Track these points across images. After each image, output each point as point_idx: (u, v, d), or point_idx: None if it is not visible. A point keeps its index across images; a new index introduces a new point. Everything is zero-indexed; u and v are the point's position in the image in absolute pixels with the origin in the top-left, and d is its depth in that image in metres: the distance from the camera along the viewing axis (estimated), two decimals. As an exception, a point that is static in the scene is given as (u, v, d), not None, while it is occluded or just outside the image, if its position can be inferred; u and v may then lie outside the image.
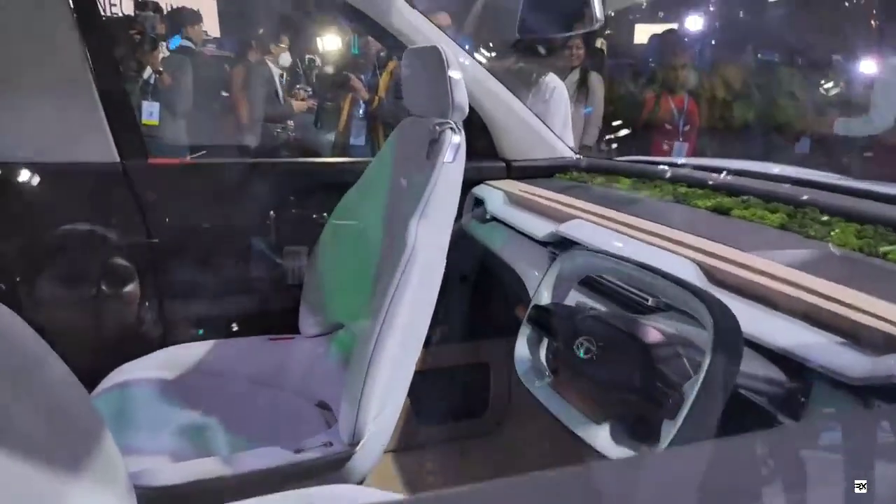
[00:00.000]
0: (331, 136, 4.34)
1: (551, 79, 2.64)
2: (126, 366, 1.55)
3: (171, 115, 3.89)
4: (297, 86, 5.57)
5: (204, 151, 3.99)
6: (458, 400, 2.01)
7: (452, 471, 1.93)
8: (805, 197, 1.32)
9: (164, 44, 4.03)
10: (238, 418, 1.43)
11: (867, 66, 3.76)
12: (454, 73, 1.27)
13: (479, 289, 1.87)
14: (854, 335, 0.80)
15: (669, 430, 0.68)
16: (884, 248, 0.99)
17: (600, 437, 0.77)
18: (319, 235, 1.69)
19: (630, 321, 0.82)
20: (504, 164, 1.86)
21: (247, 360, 1.64)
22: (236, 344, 1.66)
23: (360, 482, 1.32)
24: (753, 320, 0.89)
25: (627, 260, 0.86)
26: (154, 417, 1.41)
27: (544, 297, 0.97)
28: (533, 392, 0.90)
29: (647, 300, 1.05)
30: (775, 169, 1.67)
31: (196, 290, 1.71)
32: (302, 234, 1.77)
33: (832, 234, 1.12)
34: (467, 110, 1.30)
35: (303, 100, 4.95)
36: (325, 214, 1.73)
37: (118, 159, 1.58)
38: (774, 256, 1.04)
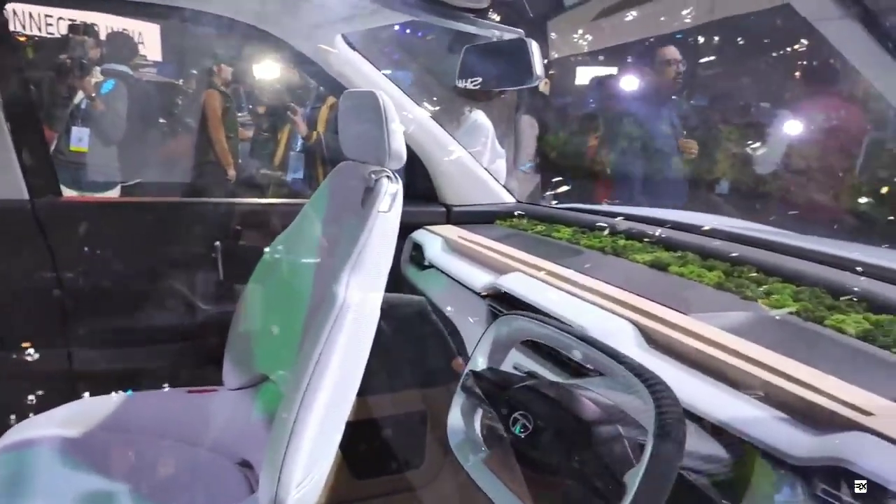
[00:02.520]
0: (267, 170, 4.24)
1: (476, 114, 2.67)
2: (27, 422, 1.41)
3: (102, 143, 3.74)
4: (240, 115, 5.47)
5: (138, 181, 3.83)
6: (393, 451, 1.93)
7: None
8: (738, 254, 1.32)
9: (98, 68, 3.89)
10: (150, 482, 1.32)
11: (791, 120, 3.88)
12: (392, 120, 1.22)
13: (415, 336, 1.81)
14: (797, 410, 0.77)
15: (609, 524, 0.63)
16: (829, 321, 0.98)
17: (536, 525, 0.71)
18: (248, 281, 1.60)
19: (569, 394, 0.77)
20: (444, 209, 1.82)
21: (163, 415, 1.52)
22: (152, 397, 1.54)
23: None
24: (693, 390, 0.86)
25: (566, 330, 0.82)
26: (55, 484, 1.28)
27: (480, 363, 0.91)
28: (466, 469, 0.84)
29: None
30: (712, 221, 1.68)
31: (109, 338, 1.59)
32: (230, 279, 1.68)
33: (770, 296, 1.11)
34: (405, 158, 1.25)
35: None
36: (255, 258, 1.64)
37: (27, 197, 1.47)
38: (713, 319, 1.02)
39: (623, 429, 0.72)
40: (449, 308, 1.47)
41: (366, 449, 1.83)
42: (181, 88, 5.39)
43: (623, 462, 0.67)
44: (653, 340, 1.00)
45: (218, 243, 1.66)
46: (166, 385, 1.61)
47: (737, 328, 0.98)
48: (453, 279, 1.51)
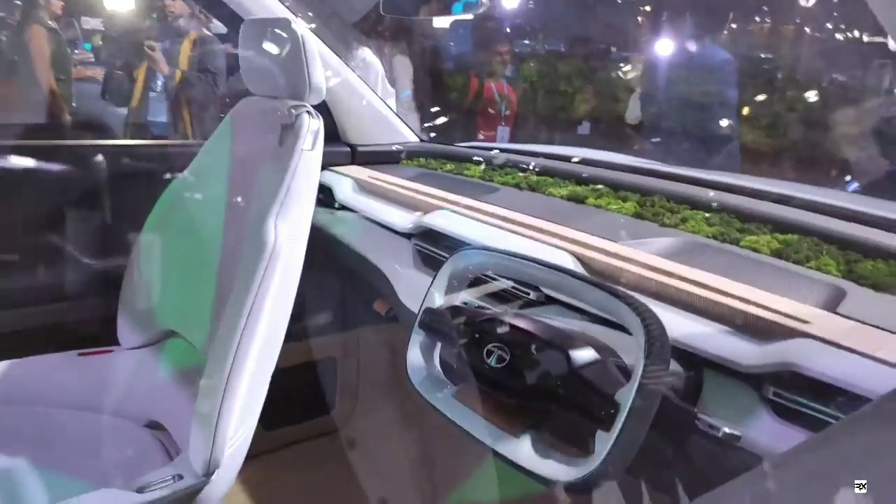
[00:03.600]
0: (123, 111, 3.86)
1: (363, 51, 2.59)
2: None
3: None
4: (76, 50, 4.92)
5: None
6: (304, 399, 1.89)
7: (300, 476, 1.81)
8: (646, 185, 1.39)
9: None
10: (53, 453, 1.20)
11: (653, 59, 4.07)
12: (312, 51, 1.14)
13: (325, 282, 1.76)
14: (740, 324, 0.84)
15: (604, 441, 0.66)
16: (744, 242, 1.06)
17: (521, 451, 0.73)
18: (139, 231, 1.46)
19: (539, 323, 0.78)
20: (349, 149, 1.75)
21: (54, 382, 1.37)
22: (38, 363, 1.39)
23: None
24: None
25: (535, 261, 0.83)
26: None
27: (436, 299, 0.90)
28: (434, 404, 0.84)
29: (530, 294, 1.03)
30: (611, 157, 1.75)
31: None
32: (117, 230, 1.52)
33: (685, 222, 1.18)
34: (325, 93, 1.18)
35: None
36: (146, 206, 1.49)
37: None
38: (642, 246, 1.08)
39: (599, 352, 0.74)
40: (368, 250, 1.43)
41: (273, 399, 1.77)
42: (4, 21, 4.73)
43: (609, 383, 0.70)
44: (593, 269, 1.03)
45: (101, 191, 1.50)
46: (48, 349, 1.45)
47: (666, 253, 1.04)
48: (371, 221, 1.47)
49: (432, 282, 0.92)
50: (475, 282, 1.07)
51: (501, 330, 0.78)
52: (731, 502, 0.50)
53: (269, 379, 1.17)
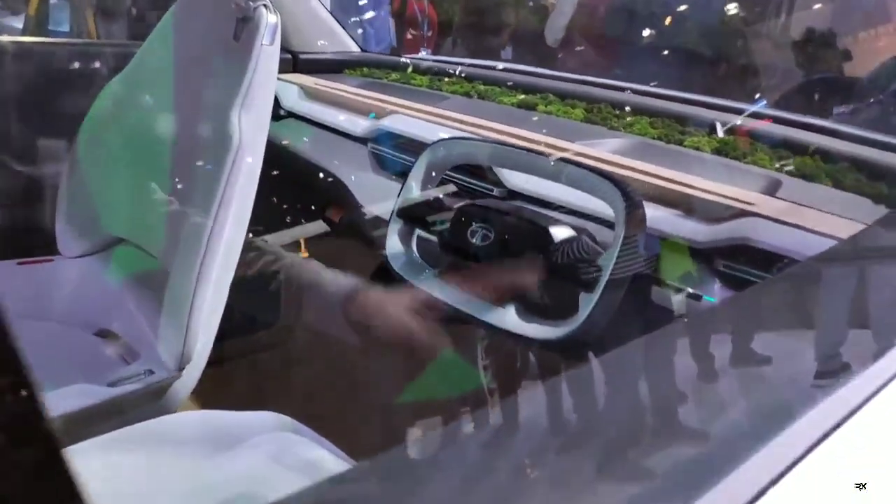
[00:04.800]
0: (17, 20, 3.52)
1: None
2: None
3: None
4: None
5: None
6: (246, 312, 1.89)
7: (244, 388, 1.83)
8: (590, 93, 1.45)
9: None
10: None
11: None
12: None
13: (269, 192, 1.74)
14: (693, 208, 0.92)
15: (587, 301, 0.73)
16: (688, 142, 1.15)
17: (508, 317, 0.79)
18: (74, 135, 1.39)
19: (514, 206, 0.84)
20: (290, 56, 1.71)
21: (-8, 291, 1.32)
22: None
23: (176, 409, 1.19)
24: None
25: (513, 146, 0.87)
26: None
27: (414, 190, 0.93)
28: (418, 285, 0.88)
29: (493, 190, 1.09)
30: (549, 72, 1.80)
31: None
32: (49, 134, 1.44)
33: (632, 126, 1.26)
34: None
35: None
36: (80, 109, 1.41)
37: None
38: (597, 146, 1.14)
39: (574, 231, 0.81)
40: (320, 157, 1.43)
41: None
42: None
43: (589, 252, 0.77)
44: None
45: (29, 92, 1.40)
46: None
47: (619, 151, 1.11)
48: (321, 127, 1.47)
49: (410, 173, 0.95)
50: (443, 180, 1.11)
51: (484, 212, 0.83)
52: (670, 339, 0.58)
53: (233, 270, 1.17)
